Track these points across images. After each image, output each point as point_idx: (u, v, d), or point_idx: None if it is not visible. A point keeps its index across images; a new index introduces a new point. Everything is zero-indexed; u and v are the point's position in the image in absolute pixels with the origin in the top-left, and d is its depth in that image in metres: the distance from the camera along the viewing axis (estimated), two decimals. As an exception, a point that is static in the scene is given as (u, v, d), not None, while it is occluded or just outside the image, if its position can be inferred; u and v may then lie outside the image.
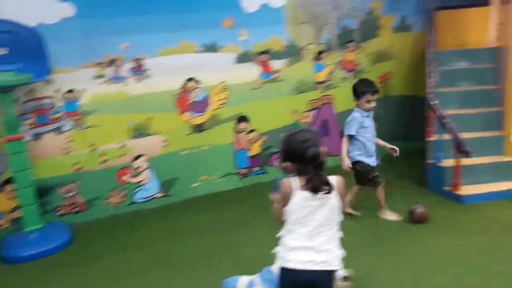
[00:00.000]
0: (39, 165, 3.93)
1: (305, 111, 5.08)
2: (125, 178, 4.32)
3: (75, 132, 4.08)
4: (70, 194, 4.14)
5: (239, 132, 4.78)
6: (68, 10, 3.86)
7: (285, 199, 1.91)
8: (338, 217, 1.97)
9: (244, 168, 4.90)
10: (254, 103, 4.79)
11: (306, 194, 1.88)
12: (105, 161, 4.21)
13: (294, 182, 1.90)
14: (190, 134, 4.55)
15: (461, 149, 3.86)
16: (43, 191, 3.97)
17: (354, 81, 5.18)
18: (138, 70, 4.25)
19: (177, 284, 2.97)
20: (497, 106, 4.50)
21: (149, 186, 4.44)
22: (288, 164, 1.94)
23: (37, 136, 3.96)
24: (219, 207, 4.35)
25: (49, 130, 3.99)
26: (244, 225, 3.87)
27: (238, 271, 2.89)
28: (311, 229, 1.90)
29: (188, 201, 4.55)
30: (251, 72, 4.73)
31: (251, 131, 4.84)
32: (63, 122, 4.03)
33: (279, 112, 4.94)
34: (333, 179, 1.93)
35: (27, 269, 3.34)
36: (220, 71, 4.58)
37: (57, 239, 3.66)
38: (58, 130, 4.02)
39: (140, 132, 4.31)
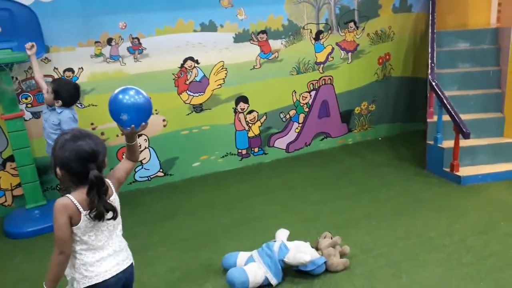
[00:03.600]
0: (40, 143, 3.92)
1: (304, 92, 5.08)
2: (125, 157, 4.33)
3: (74, 111, 4.06)
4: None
5: (238, 113, 4.78)
6: (64, -12, 3.80)
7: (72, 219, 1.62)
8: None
9: (244, 148, 4.91)
10: (253, 83, 4.76)
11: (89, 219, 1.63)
12: (104, 140, 4.20)
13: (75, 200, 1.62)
14: (190, 114, 4.54)
15: (460, 130, 3.87)
16: (45, 169, 3.96)
17: (355, 61, 5.24)
18: (136, 49, 4.22)
19: (178, 261, 3.01)
20: (497, 88, 4.50)
21: (149, 165, 4.46)
22: (61, 173, 1.63)
23: (36, 115, 3.95)
24: (220, 186, 4.39)
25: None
26: (244, 204, 3.91)
27: (238, 247, 2.95)
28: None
29: (189, 180, 4.57)
30: (250, 52, 4.69)
31: (251, 111, 4.84)
32: (62, 101, 4.01)
33: (278, 92, 4.92)
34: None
35: (30, 244, 3.38)
36: (219, 51, 4.54)
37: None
38: (57, 109, 4.01)
39: (139, 111, 4.29)
